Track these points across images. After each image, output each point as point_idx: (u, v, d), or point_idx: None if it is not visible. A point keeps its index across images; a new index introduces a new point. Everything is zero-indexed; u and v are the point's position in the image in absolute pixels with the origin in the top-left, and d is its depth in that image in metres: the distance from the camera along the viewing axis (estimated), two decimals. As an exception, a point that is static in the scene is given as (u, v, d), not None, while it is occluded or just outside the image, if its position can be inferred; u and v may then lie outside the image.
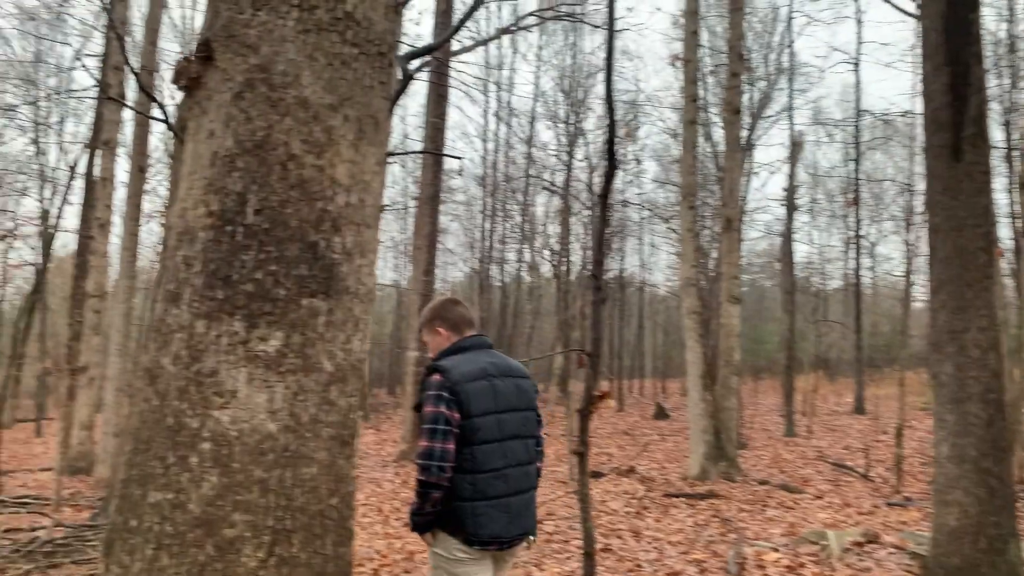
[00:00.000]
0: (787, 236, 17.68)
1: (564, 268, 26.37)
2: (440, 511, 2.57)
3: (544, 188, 31.03)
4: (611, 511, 8.52)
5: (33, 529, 7.07)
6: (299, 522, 1.74)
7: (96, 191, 11.88)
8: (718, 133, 23.23)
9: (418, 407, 2.65)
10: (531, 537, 2.81)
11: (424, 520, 2.61)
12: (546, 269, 30.95)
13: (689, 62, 11.73)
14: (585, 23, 20.29)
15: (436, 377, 2.62)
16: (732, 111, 11.63)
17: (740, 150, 11.93)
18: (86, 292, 10.37)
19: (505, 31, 15.94)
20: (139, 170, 10.86)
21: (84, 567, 5.77)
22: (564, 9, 18.34)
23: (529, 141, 28.60)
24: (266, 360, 1.75)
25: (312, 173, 1.84)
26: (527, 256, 30.91)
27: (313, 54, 1.85)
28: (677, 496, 9.47)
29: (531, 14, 17.56)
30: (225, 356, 1.73)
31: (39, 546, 6.24)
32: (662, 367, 30.21)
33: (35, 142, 21.45)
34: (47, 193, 21.76)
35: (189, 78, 1.85)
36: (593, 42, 36.49)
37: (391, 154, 10.30)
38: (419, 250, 13.60)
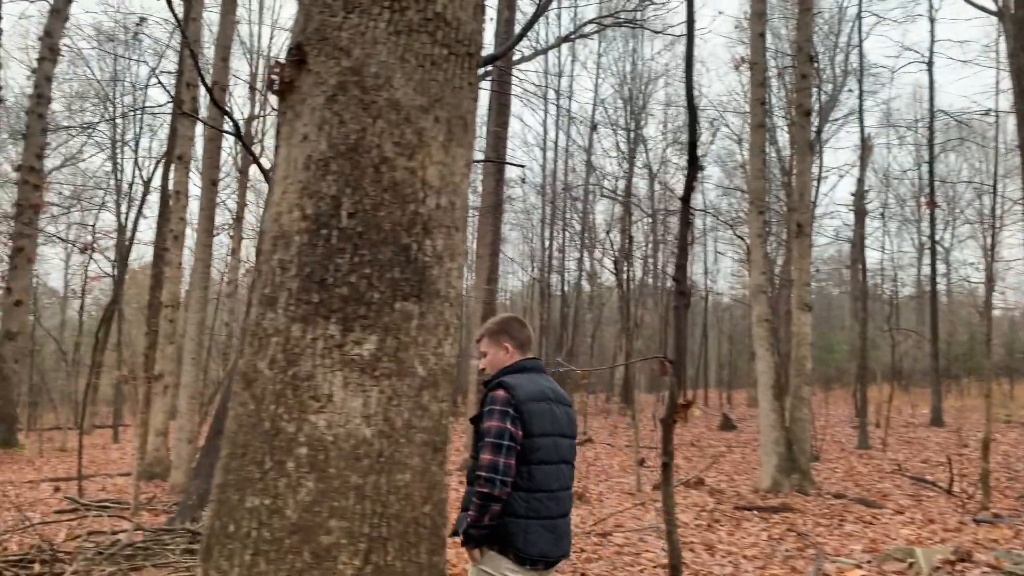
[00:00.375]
0: (859, 242, 17.14)
1: (626, 276, 26.12)
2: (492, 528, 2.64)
3: (604, 196, 30.84)
4: (681, 524, 8.33)
5: (114, 532, 7.28)
6: (394, 530, 1.71)
7: (170, 204, 12.27)
8: (782, 137, 22.76)
9: (475, 420, 2.70)
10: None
11: (480, 534, 2.63)
12: (606, 277, 30.75)
13: (756, 65, 11.49)
14: (645, 28, 20.13)
15: (501, 393, 2.65)
16: (802, 113, 11.33)
17: (810, 153, 11.61)
18: (161, 302, 10.70)
19: (565, 39, 15.91)
20: (211, 183, 11.18)
21: (164, 570, 5.89)
22: (624, 15, 18.22)
23: (589, 149, 28.50)
24: (361, 364, 1.73)
25: (404, 175, 1.81)
26: (587, 264, 30.76)
27: (404, 55, 1.83)
28: (749, 509, 9.21)
29: (591, 21, 17.50)
30: (321, 360, 1.72)
31: (120, 549, 6.42)
32: (727, 377, 29.62)
33: (112, 159, 22.33)
34: (123, 207, 22.62)
35: (282, 82, 1.85)
36: (653, 48, 36.27)
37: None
38: (481, 259, 13.63)
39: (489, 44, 14.12)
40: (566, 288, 30.12)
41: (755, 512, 9.05)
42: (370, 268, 1.76)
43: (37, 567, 5.56)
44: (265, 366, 1.75)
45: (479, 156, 13.68)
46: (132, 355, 24.13)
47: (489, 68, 11.98)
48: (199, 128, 13.27)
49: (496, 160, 11.85)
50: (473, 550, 2.68)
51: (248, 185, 22.50)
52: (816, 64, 15.44)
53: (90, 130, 22.41)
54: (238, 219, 21.98)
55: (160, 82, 10.03)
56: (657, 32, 20.20)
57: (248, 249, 27.24)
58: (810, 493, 10.29)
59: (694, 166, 3.33)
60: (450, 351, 1.88)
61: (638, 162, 29.10)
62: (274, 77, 1.85)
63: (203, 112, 13.39)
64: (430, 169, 1.85)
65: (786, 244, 21.89)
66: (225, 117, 11.45)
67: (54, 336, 23.29)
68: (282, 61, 1.86)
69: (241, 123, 18.33)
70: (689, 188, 3.31)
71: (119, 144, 22.48)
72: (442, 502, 1.84)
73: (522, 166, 10.76)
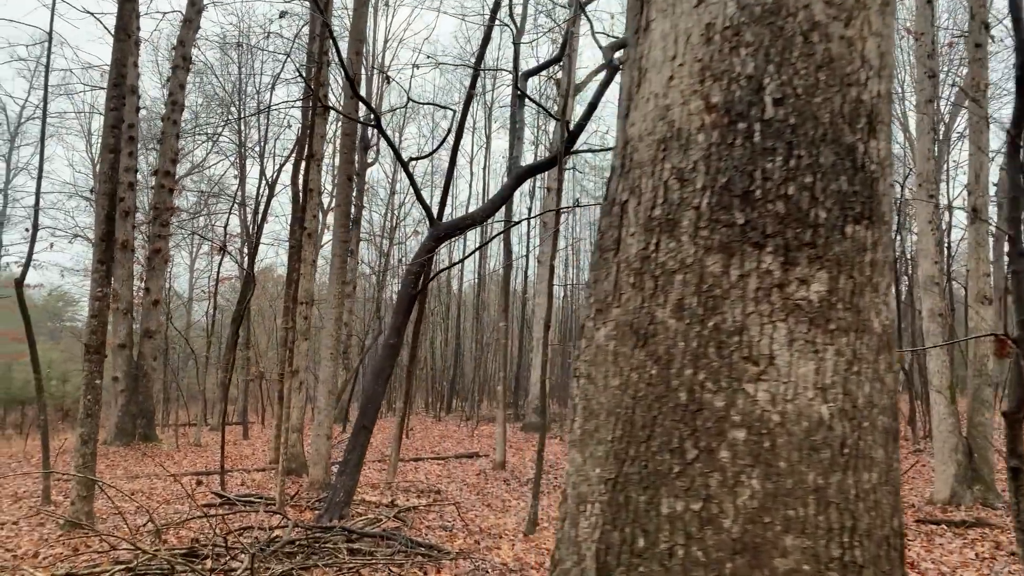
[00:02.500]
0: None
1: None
2: None
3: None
4: (864, 537, 7.49)
5: (270, 529, 7.11)
6: (868, 553, 1.17)
7: (303, 202, 12.26)
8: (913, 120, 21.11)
9: None
10: None
11: None
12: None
13: (923, 35, 10.45)
14: None
15: None
16: (978, 87, 10.20)
17: (986, 130, 10.46)
18: (295, 299, 10.65)
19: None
20: (347, 179, 11.05)
21: (331, 569, 5.60)
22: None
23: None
24: (810, 312, 1.20)
25: (840, 49, 1.28)
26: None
27: None
28: (935, 523, 8.25)
29: None
30: (755, 306, 1.20)
31: (281, 546, 6.20)
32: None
33: (239, 161, 22.96)
34: (248, 210, 23.25)
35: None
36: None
37: (590, 150, 9.81)
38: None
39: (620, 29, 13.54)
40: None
41: (943, 526, 8.08)
42: (811, 175, 1.23)
43: (209, 563, 5.35)
44: (669, 315, 1.25)
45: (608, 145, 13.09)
46: (256, 354, 24.80)
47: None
48: (329, 128, 13.26)
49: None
50: None
51: (365, 188, 22.72)
52: (991, 33, 14.06)
53: (217, 136, 23.15)
54: (355, 221, 22.19)
55: (300, 73, 9.92)
56: None
57: (363, 251, 27.63)
58: (998, 507, 9.18)
59: (1026, 94, 2.66)
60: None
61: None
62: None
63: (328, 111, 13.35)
64: (869, 42, 1.31)
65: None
66: (363, 109, 11.33)
67: (184, 336, 24.17)
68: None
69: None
70: (1021, 119, 2.65)
71: (244, 148, 23.10)
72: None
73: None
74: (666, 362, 1.22)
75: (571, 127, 8.73)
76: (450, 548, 6.75)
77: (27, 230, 24.42)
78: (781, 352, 1.18)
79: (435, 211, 9.34)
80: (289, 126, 23.47)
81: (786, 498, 1.14)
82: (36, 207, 9.42)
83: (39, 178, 9.43)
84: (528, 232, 27.53)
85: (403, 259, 31.80)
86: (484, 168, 26.98)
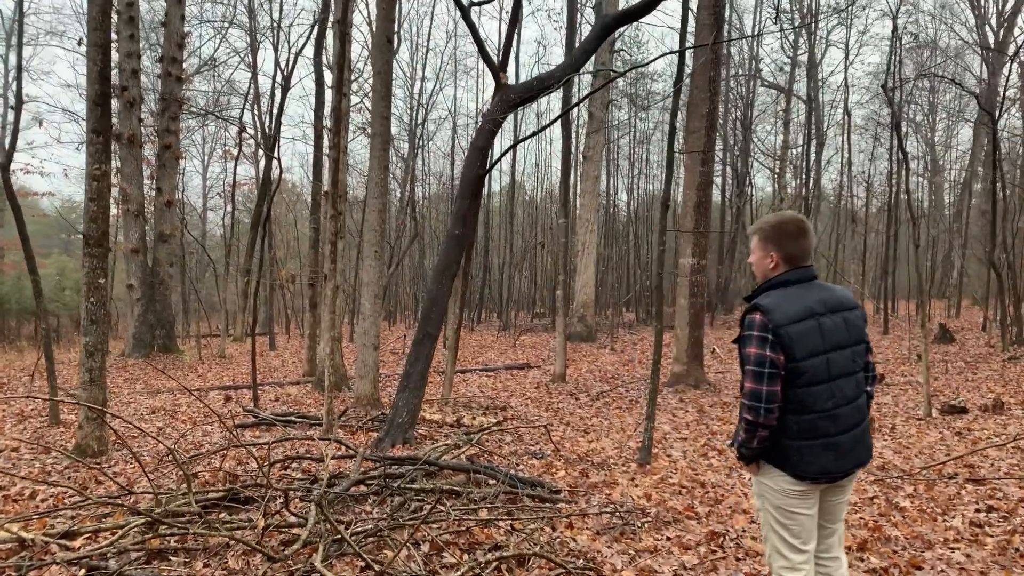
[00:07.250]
0: None
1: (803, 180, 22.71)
2: (768, 447, 2.51)
3: (766, 85, 27.26)
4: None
5: (327, 459, 5.63)
6: None
7: (337, 75, 10.40)
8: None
9: (737, 341, 2.52)
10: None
11: (751, 454, 2.54)
12: (759, 183, 27.39)
13: None
14: None
15: (758, 317, 2.44)
16: None
17: None
18: (336, 184, 8.93)
19: None
20: (387, 41, 9.15)
21: (434, 527, 4.09)
22: None
23: (754, 30, 24.74)
24: None
25: None
26: (737, 167, 27.48)
27: None
28: None
29: None
30: None
31: (348, 488, 4.73)
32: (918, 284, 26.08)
33: (249, 54, 20.83)
34: (263, 105, 21.30)
35: None
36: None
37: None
38: (694, 134, 11.18)
39: None
40: (727, 193, 27.20)
41: None
42: None
43: (262, 521, 3.84)
44: None
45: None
46: (285, 258, 23.28)
47: None
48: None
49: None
50: (750, 464, 2.60)
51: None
52: None
53: (229, 23, 20.99)
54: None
55: None
56: None
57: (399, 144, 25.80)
58: None
59: None
60: None
61: (801, 49, 25.26)
62: None
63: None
64: None
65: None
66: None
67: (200, 243, 22.62)
68: None
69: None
70: None
71: (255, 36, 20.93)
72: None
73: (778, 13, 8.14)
74: None
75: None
76: (554, 483, 5.29)
77: (11, 108, 22.42)
78: None
79: (497, 75, 7.53)
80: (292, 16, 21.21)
81: None
82: (19, 69, 7.66)
83: (19, 33, 7.63)
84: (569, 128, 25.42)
85: (428, 160, 29.83)
86: (515, 60, 24.67)
